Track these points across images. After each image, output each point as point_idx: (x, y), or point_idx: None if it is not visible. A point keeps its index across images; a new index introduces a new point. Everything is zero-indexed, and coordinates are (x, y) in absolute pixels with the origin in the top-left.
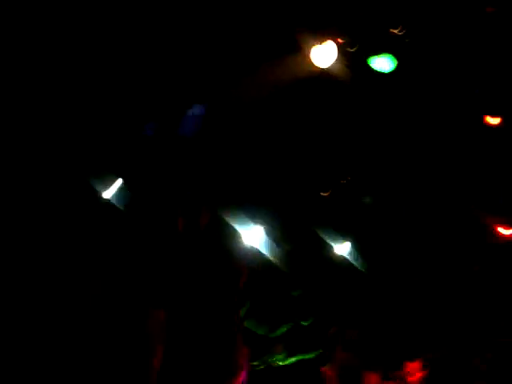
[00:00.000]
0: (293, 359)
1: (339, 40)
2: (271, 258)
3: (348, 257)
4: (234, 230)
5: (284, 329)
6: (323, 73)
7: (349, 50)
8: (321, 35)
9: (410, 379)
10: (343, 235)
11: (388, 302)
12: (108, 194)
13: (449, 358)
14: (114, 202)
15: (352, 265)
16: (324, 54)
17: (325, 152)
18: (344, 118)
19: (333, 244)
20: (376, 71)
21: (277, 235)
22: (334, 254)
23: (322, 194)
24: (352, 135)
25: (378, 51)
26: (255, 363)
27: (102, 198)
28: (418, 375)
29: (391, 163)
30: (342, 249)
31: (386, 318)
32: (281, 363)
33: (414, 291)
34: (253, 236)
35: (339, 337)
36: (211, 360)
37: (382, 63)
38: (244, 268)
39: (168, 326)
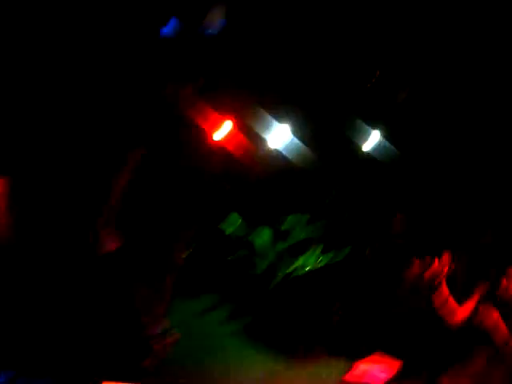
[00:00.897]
0: (324, 260)
1: None
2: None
3: (374, 153)
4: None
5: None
6: None
7: None
8: None
9: (445, 270)
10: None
11: (423, 194)
12: None
13: (483, 252)
14: None
15: (381, 161)
16: None
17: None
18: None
19: (362, 141)
20: None
21: (304, 134)
22: (363, 152)
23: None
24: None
25: None
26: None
27: None
28: (447, 267)
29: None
30: (369, 145)
31: (421, 210)
32: (309, 267)
33: (450, 184)
34: (277, 136)
35: (376, 232)
36: None
37: None
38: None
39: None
